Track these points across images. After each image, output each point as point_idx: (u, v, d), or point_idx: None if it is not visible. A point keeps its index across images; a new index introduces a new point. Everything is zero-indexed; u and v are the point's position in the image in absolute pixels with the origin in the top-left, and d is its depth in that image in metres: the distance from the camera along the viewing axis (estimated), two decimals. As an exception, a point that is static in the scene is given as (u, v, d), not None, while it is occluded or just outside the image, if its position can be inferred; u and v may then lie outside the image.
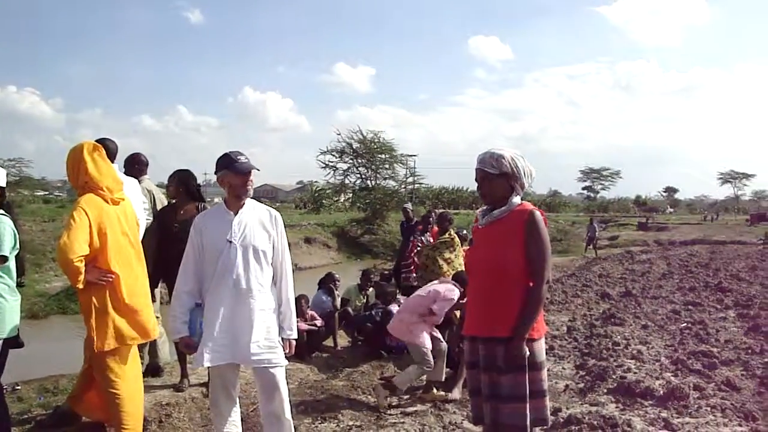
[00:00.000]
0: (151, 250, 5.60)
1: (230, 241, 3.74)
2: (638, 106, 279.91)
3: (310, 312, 7.54)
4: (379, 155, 35.59)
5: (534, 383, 3.21)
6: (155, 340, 5.85)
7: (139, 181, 5.63)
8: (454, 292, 5.71)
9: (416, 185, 44.47)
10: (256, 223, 3.85)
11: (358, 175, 36.44)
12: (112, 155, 4.54)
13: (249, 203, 3.88)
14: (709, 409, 5.24)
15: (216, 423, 3.96)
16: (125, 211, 3.97)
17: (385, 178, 36.65)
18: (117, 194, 3.92)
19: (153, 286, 5.49)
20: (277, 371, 3.84)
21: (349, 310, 8.29)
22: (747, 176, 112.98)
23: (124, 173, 5.56)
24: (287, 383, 4.00)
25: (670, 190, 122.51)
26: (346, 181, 37.16)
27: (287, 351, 3.94)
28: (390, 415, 5.41)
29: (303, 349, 7.11)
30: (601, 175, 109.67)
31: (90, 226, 3.63)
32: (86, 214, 3.64)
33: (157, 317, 5.96)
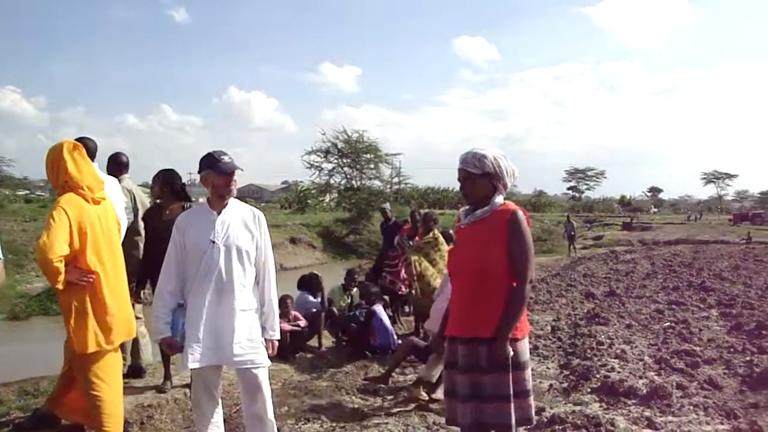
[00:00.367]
0: (137, 250, 5.58)
1: (213, 241, 3.73)
2: (623, 107, 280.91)
3: (293, 312, 7.51)
4: (364, 155, 35.65)
5: (518, 383, 3.20)
6: (137, 341, 5.82)
7: (119, 180, 5.58)
8: None
9: (402, 185, 44.56)
10: (240, 223, 3.84)
11: (343, 175, 36.51)
12: (91, 154, 4.49)
13: (232, 203, 3.87)
14: (691, 407, 5.26)
15: (198, 424, 3.94)
16: (106, 211, 3.92)
17: (370, 178, 36.73)
18: (98, 194, 3.87)
19: (141, 287, 5.47)
20: (260, 372, 3.82)
21: (334, 310, 8.26)
22: (730, 176, 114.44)
23: (107, 173, 5.52)
24: (270, 384, 3.98)
25: (655, 190, 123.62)
26: (331, 181, 37.22)
27: (270, 351, 3.92)
28: (373, 415, 5.39)
29: (286, 349, 7.08)
30: (586, 176, 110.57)
31: (70, 225, 3.58)
32: (66, 213, 3.59)
33: (140, 318, 5.94)
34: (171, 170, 5.57)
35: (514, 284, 3.20)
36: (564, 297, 12.50)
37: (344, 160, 35.92)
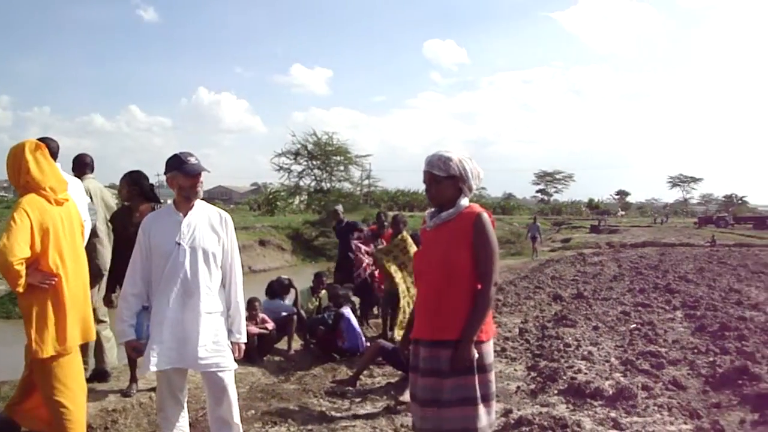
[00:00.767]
0: (95, 252, 5.49)
1: (179, 243, 3.69)
2: (591, 111, 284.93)
3: (261, 315, 7.46)
4: (334, 157, 35.61)
5: (482, 386, 3.20)
6: (101, 345, 5.74)
7: (81, 180, 5.50)
8: None
9: (372, 187, 44.56)
10: (206, 225, 3.80)
11: (313, 177, 36.42)
12: (54, 154, 4.41)
13: (198, 205, 3.83)
14: (656, 408, 5.33)
15: (163, 428, 3.88)
16: (69, 212, 3.86)
17: (340, 180, 36.73)
18: (61, 195, 3.80)
19: (110, 290, 5.39)
20: (226, 375, 3.79)
21: (302, 313, 8.22)
22: (695, 180, 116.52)
23: (74, 175, 5.44)
24: (237, 387, 3.94)
25: (622, 194, 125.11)
26: (301, 183, 37.16)
27: (237, 355, 3.89)
28: (341, 418, 5.37)
29: (254, 352, 7.04)
30: (555, 179, 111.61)
31: (32, 227, 3.51)
32: (28, 215, 3.52)
33: (105, 321, 5.86)
34: (138, 171, 5.51)
35: (479, 287, 3.20)
36: (532, 299, 12.58)
37: (314, 162, 35.88)
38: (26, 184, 3.66)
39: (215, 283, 3.80)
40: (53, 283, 3.60)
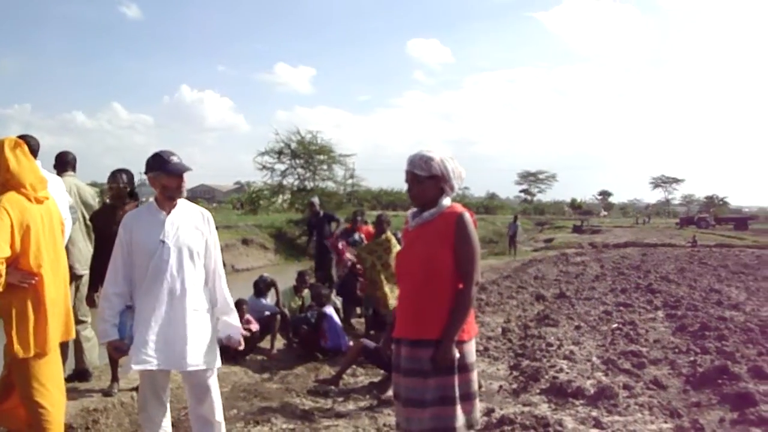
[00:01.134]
0: (71, 251, 5.43)
1: (163, 241, 3.66)
2: (574, 111, 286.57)
3: (246, 316, 7.43)
4: (318, 156, 35.48)
5: (464, 385, 3.21)
6: (81, 345, 5.69)
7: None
8: None
9: (355, 186, 44.45)
10: (189, 223, 3.79)
11: (296, 176, 36.26)
12: (33, 152, 4.37)
13: (181, 203, 3.81)
14: (637, 407, 5.37)
15: (146, 428, 3.87)
16: (49, 211, 3.81)
17: (323, 179, 36.58)
18: (41, 193, 3.76)
19: (93, 290, 5.35)
20: (209, 373, 3.78)
21: (285, 311, 8.20)
22: (677, 181, 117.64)
23: (56, 173, 5.39)
24: (220, 386, 3.93)
25: (605, 194, 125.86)
26: (284, 182, 36.93)
27: (240, 347, 4.03)
28: (324, 417, 5.36)
29: (236, 351, 7.01)
30: (538, 179, 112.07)
31: (12, 226, 3.47)
32: (8, 213, 3.47)
33: (86, 321, 5.81)
34: (129, 170, 5.49)
35: (461, 286, 3.21)
36: (515, 299, 12.61)
37: (297, 161, 35.71)
38: (6, 182, 3.61)
39: (200, 281, 3.79)
40: (33, 282, 3.56)
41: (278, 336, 8.02)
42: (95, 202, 5.94)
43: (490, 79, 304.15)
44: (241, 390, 6.15)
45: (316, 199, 11.66)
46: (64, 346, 4.74)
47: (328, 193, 35.66)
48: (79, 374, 5.74)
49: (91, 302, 5.40)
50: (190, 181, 3.81)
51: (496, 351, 7.80)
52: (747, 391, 5.48)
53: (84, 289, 5.63)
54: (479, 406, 3.39)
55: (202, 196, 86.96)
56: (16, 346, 3.52)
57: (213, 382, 3.80)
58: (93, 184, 6.56)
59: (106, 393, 5.38)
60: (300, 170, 35.86)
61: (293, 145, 35.02)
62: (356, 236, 10.11)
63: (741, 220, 60.07)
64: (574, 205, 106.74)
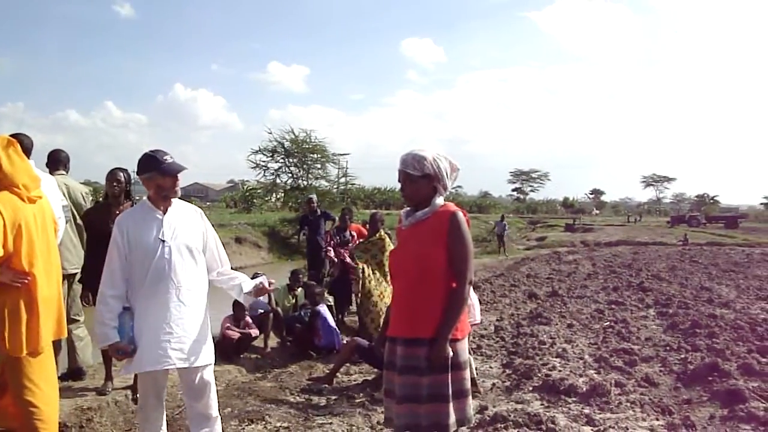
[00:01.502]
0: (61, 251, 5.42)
1: (163, 241, 3.65)
2: (566, 110, 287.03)
3: (246, 319, 7.44)
4: (311, 155, 35.38)
5: (456, 383, 3.23)
6: (74, 344, 5.69)
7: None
8: None
9: (349, 185, 44.38)
10: (187, 221, 3.80)
11: (290, 175, 36.15)
12: (27, 151, 4.35)
13: (175, 201, 3.81)
14: (629, 404, 5.41)
15: (142, 427, 3.87)
16: (42, 210, 3.80)
17: (317, 178, 36.47)
18: (34, 192, 3.75)
19: (87, 290, 5.34)
20: (206, 370, 3.78)
21: (279, 310, 8.21)
22: (668, 180, 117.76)
23: (49, 172, 5.38)
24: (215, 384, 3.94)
25: (597, 192, 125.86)
26: (278, 181, 36.79)
27: (271, 287, 4.16)
28: (318, 415, 5.37)
29: (231, 350, 7.03)
30: (531, 177, 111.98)
31: (4, 225, 3.45)
32: (0, 213, 3.48)
33: (78, 320, 5.80)
34: (126, 169, 5.50)
35: (454, 285, 3.23)
36: (507, 297, 12.66)
37: (291, 160, 35.58)
38: (-2, 182, 3.61)
39: (200, 278, 3.80)
40: (26, 281, 3.54)
41: (272, 334, 8.04)
42: (86, 201, 5.91)
43: (483, 79, 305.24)
44: (236, 388, 6.16)
45: (314, 197, 11.68)
46: (57, 345, 4.74)
47: (322, 192, 35.57)
48: (73, 373, 5.73)
49: (87, 301, 5.38)
50: (183, 180, 3.80)
51: (488, 349, 7.83)
52: (737, 387, 5.52)
53: (76, 287, 5.63)
54: (472, 403, 3.41)
55: (196, 194, 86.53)
56: (9, 345, 3.52)
57: (212, 378, 3.83)
58: (86, 183, 6.53)
59: (100, 392, 5.38)
60: (293, 169, 35.72)
61: (287, 144, 34.89)
62: (347, 234, 10.14)
63: (731, 219, 60.23)
64: (567, 204, 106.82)
